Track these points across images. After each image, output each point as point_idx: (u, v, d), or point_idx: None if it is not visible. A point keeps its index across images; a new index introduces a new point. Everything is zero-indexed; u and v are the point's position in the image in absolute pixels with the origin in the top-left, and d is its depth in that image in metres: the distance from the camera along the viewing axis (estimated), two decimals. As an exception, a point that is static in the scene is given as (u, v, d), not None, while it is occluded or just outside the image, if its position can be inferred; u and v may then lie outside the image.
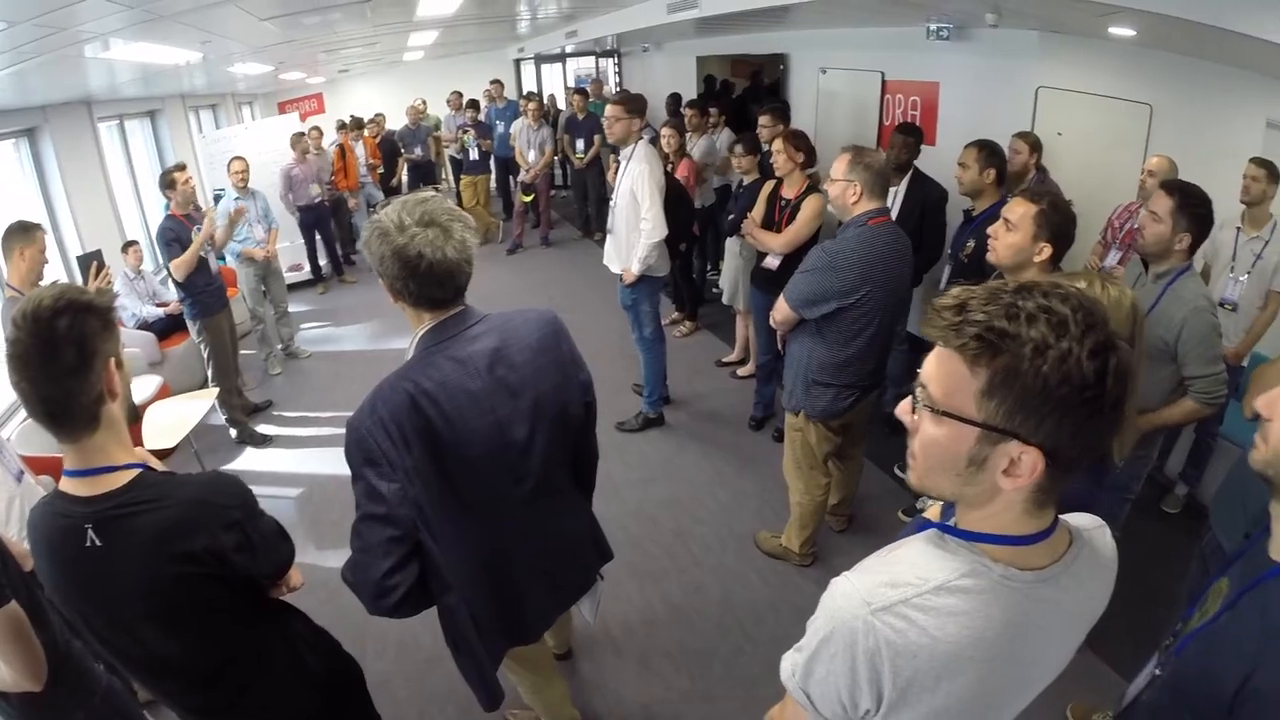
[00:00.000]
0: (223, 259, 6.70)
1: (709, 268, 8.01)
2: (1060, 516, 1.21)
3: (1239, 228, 4.65)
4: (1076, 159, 5.78)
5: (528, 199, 10.22)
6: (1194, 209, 2.93)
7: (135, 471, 1.69)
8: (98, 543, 1.62)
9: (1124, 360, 0.99)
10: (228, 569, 1.76)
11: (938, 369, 1.08)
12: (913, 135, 5.10)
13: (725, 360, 6.67)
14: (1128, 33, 5.28)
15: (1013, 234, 2.71)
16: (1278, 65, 5.19)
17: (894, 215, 4.82)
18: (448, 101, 11.30)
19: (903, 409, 1.15)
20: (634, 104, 4.83)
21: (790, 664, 1.25)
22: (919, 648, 1.09)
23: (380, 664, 3.56)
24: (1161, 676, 1.67)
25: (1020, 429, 1.01)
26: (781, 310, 3.45)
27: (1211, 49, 5.26)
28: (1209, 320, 2.89)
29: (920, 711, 1.14)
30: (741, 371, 6.39)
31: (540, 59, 14.67)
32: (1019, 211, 2.71)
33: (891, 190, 4.97)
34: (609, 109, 4.87)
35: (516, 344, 2.10)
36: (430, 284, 1.91)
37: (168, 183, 5.34)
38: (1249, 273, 4.44)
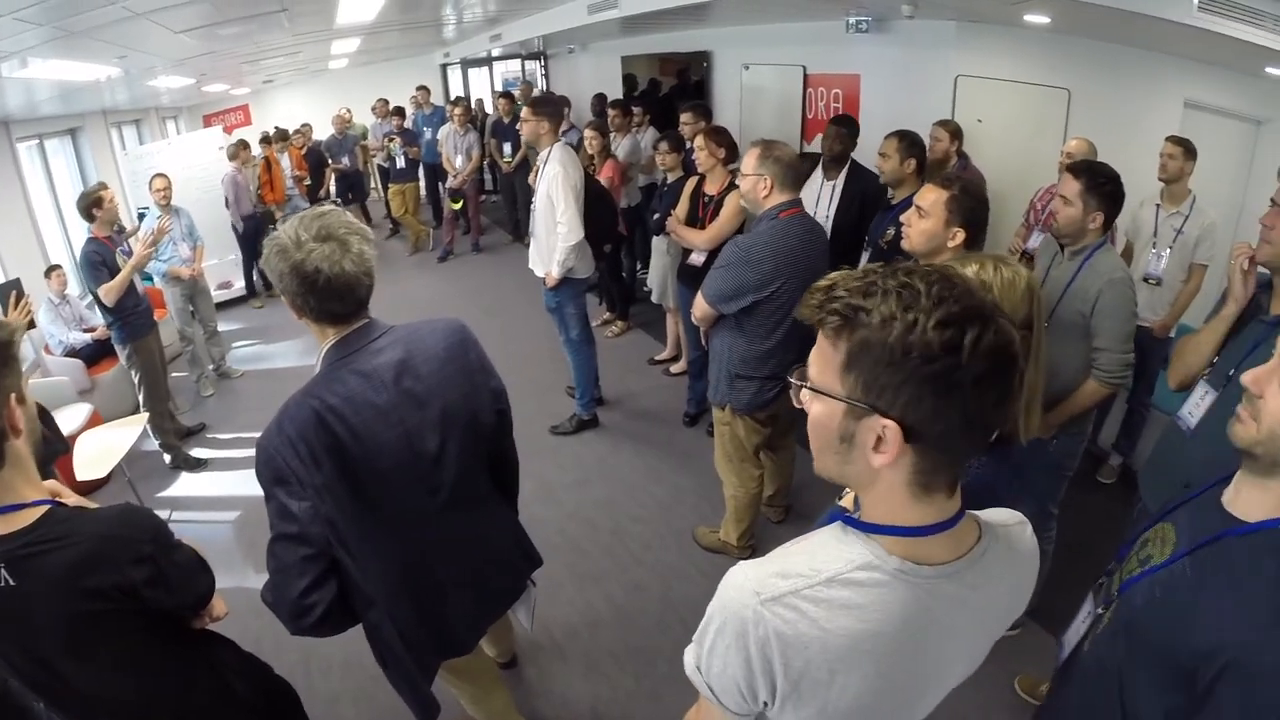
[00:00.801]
0: (149, 279, 6.48)
1: (639, 266, 7.99)
2: (973, 512, 1.20)
3: (1158, 204, 4.75)
4: (997, 145, 5.86)
5: (456, 205, 10.09)
6: (1102, 188, 2.96)
7: (44, 509, 1.65)
8: (10, 581, 1.57)
9: (997, 338, 0.96)
10: (141, 604, 1.72)
11: (814, 350, 1.08)
12: (847, 127, 5.08)
13: (658, 358, 6.65)
14: (1042, 19, 5.35)
15: (925, 220, 2.69)
16: (1193, 47, 5.32)
17: (832, 208, 4.91)
18: (373, 109, 11.15)
19: (796, 393, 1.14)
20: (544, 106, 4.76)
21: (692, 656, 1.22)
22: (809, 639, 1.07)
23: (327, 683, 3.48)
24: (1106, 620, 1.61)
25: (878, 402, 1.00)
26: (700, 307, 3.44)
27: (1127, 33, 5.39)
28: (1125, 292, 2.93)
29: (817, 705, 1.13)
30: (674, 369, 6.37)
31: (467, 63, 14.49)
32: (930, 198, 2.70)
33: (829, 183, 5.03)
34: (522, 112, 4.83)
35: (422, 354, 2.08)
36: (330, 299, 1.88)
37: (92, 202, 5.12)
38: (1170, 247, 4.55)
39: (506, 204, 10.67)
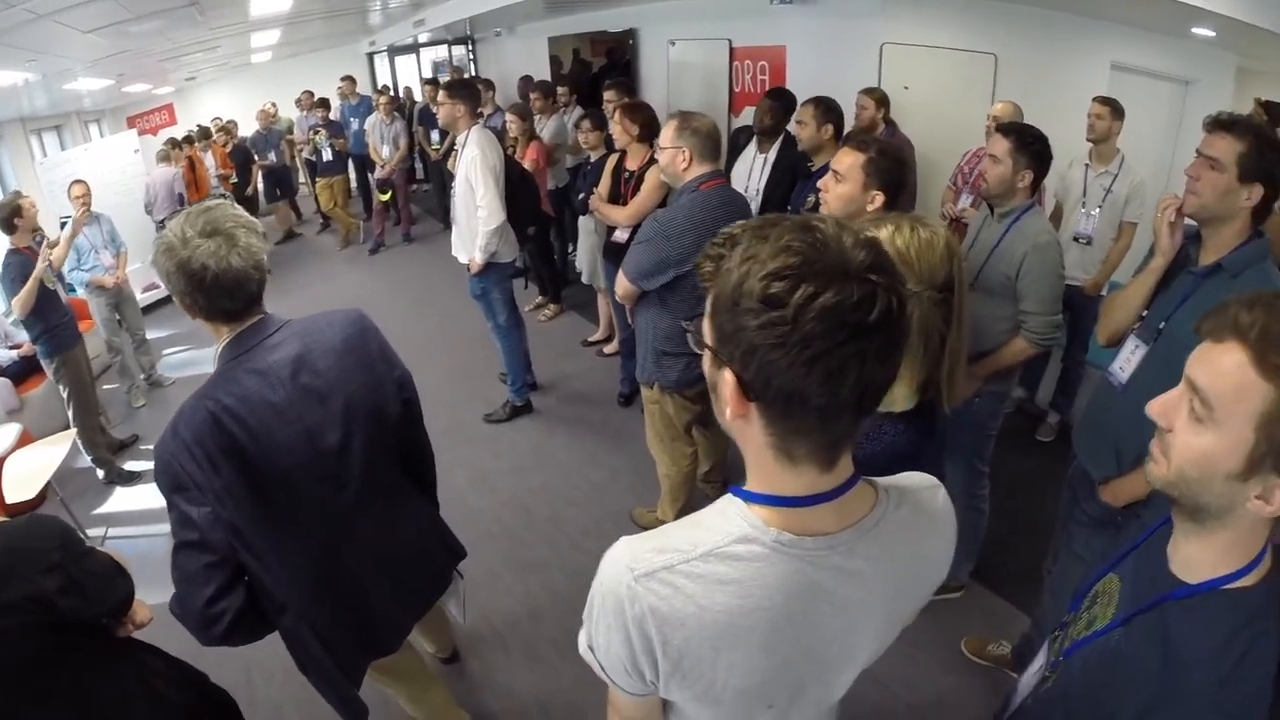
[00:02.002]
0: (72, 289, 6.25)
1: (569, 249, 7.88)
2: (873, 479, 1.15)
3: (1087, 165, 4.83)
4: (925, 111, 5.86)
5: (385, 197, 9.91)
6: (1031, 146, 2.99)
7: None
8: None
9: (839, 300, 0.87)
10: (56, 614, 1.67)
11: None
12: (781, 100, 5.03)
13: (590, 340, 6.59)
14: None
15: (842, 185, 2.64)
16: (1119, 10, 5.36)
17: (763, 181, 4.86)
18: (297, 102, 10.86)
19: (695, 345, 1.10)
20: (459, 89, 4.67)
21: (584, 636, 1.17)
22: (686, 616, 1.03)
23: (269, 691, 3.39)
24: (1050, 684, 1.53)
25: (722, 350, 0.96)
26: (622, 284, 3.37)
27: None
28: (1051, 256, 2.96)
29: (704, 684, 1.09)
30: (607, 349, 6.34)
31: (393, 51, 14.25)
32: (847, 162, 2.64)
33: (761, 156, 4.99)
34: (438, 96, 4.74)
35: (320, 348, 2.03)
36: (219, 295, 1.84)
37: (11, 212, 4.93)
38: (1100, 206, 4.63)
39: (436, 192, 10.47)
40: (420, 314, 7.34)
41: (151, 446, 5.87)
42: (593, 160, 5.56)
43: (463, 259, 4.90)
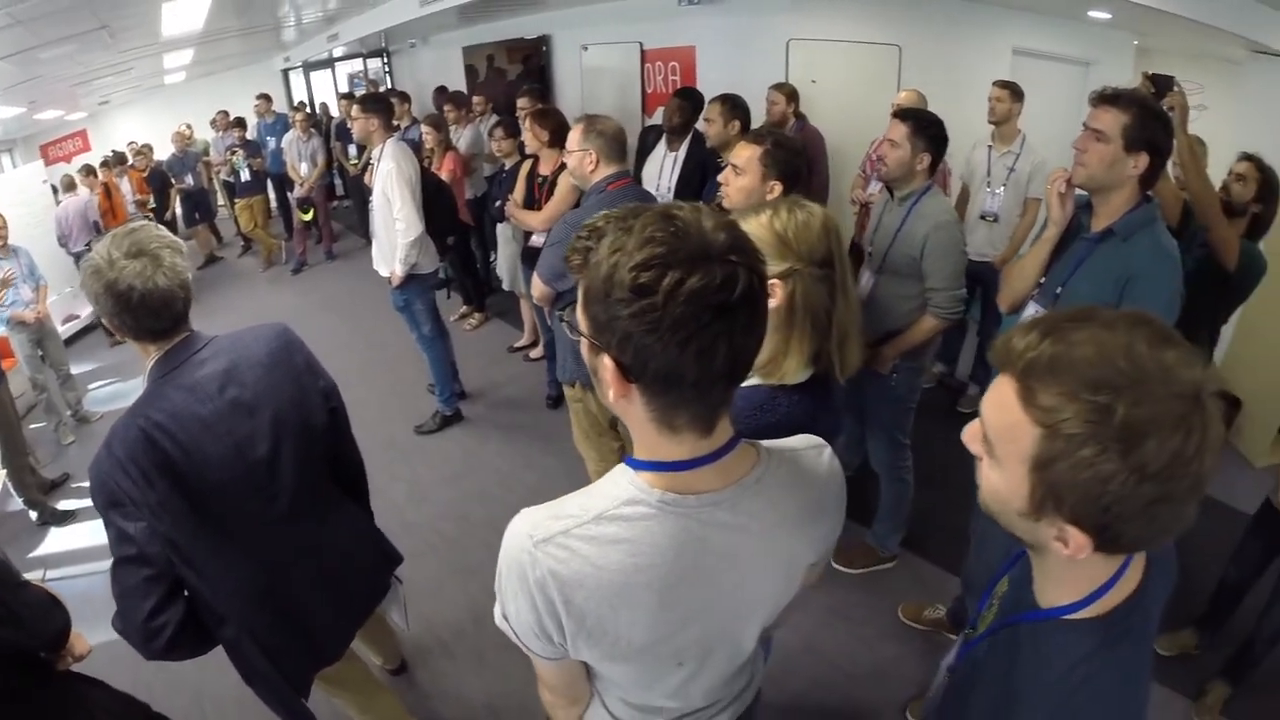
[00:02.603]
0: (-8, 327, 6.09)
1: (491, 257, 7.84)
2: (754, 442, 1.22)
3: (990, 146, 4.98)
4: (833, 103, 5.99)
5: (307, 216, 9.76)
6: (928, 130, 3.11)
7: None
8: None
9: (704, 282, 0.93)
10: None
11: None
12: (689, 99, 5.10)
13: (516, 345, 6.61)
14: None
15: (742, 177, 2.68)
16: (1019, -2, 5.53)
17: (674, 178, 4.94)
18: (212, 122, 10.57)
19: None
20: (372, 103, 4.67)
21: (499, 607, 1.22)
22: (584, 576, 1.09)
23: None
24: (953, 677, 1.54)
25: (598, 338, 1.01)
26: (537, 286, 3.41)
27: None
28: (952, 234, 3.09)
29: (609, 641, 1.15)
30: (533, 354, 6.36)
31: (308, 66, 13.93)
32: (744, 155, 2.67)
33: (671, 154, 5.06)
34: (352, 110, 4.74)
35: (246, 362, 2.05)
36: (146, 315, 1.86)
37: None
38: (1004, 185, 4.81)
39: (357, 208, 10.17)
40: (347, 331, 7.28)
41: (83, 484, 5.75)
42: (508, 168, 5.57)
43: (384, 272, 4.89)
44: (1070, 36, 6.96)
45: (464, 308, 7.37)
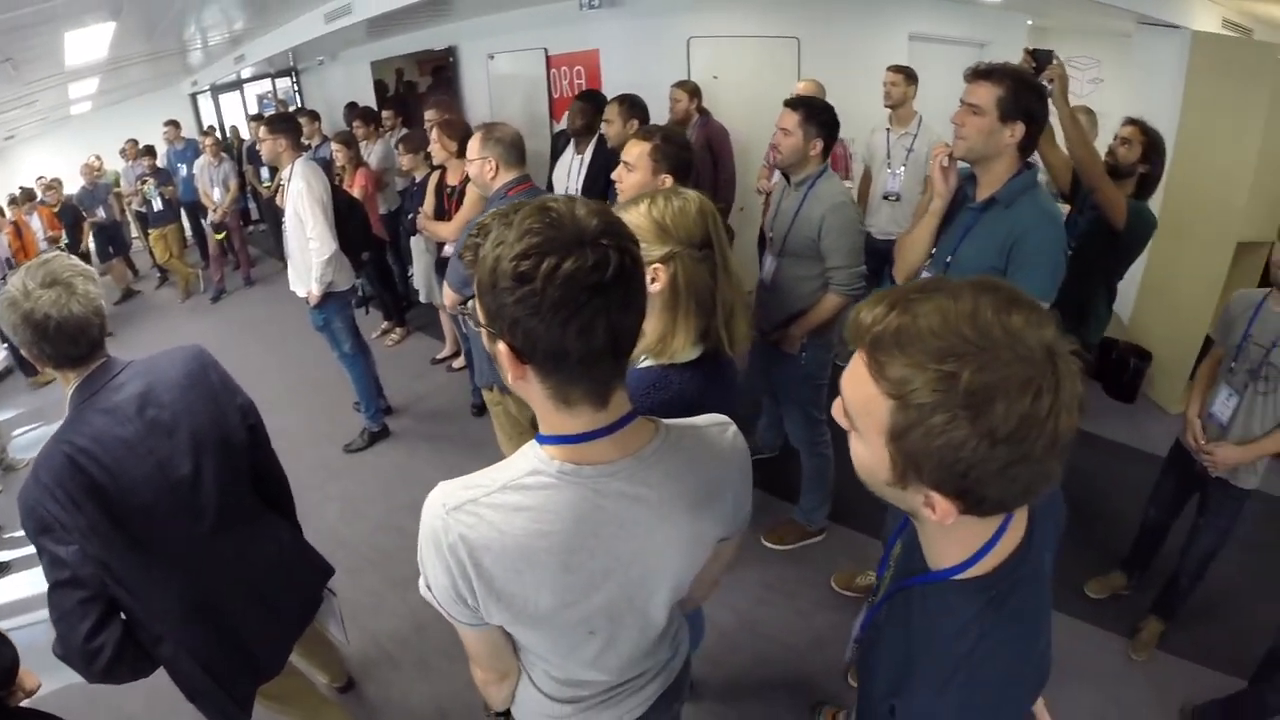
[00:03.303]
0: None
1: (408, 271, 7.77)
2: (654, 418, 1.31)
3: (888, 129, 5.16)
4: (735, 98, 6.11)
5: (220, 236, 9.59)
6: (818, 116, 3.24)
7: None
8: None
9: (576, 265, 1.02)
10: None
11: None
12: (590, 101, 5.14)
13: (439, 357, 6.62)
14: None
15: (633, 174, 2.75)
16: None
17: (582, 179, 4.97)
18: (122, 152, 10.41)
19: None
20: (279, 123, 4.64)
21: (422, 579, 1.29)
22: (490, 540, 1.17)
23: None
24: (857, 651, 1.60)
25: (492, 326, 1.10)
26: (448, 295, 3.48)
27: None
28: (847, 214, 3.21)
29: (518, 604, 1.24)
30: (456, 364, 6.38)
31: (217, 89, 13.77)
32: (635, 152, 2.76)
33: (578, 157, 5.10)
34: (259, 132, 4.73)
35: (163, 383, 2.09)
36: (63, 343, 1.91)
37: None
38: (904, 165, 4.99)
39: (273, 231, 9.94)
40: (270, 355, 7.20)
41: (16, 534, 5.57)
42: (419, 180, 5.57)
43: (301, 292, 4.86)
44: (965, 20, 7.18)
45: (385, 323, 7.34)
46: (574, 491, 1.20)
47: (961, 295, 0.95)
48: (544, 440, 1.22)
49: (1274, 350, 2.95)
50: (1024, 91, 2.50)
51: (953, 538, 1.15)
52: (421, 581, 1.29)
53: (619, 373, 1.18)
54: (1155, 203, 5.49)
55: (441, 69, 8.92)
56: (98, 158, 10.85)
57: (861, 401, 1.00)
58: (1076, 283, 3.68)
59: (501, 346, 1.10)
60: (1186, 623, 3.62)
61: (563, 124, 6.96)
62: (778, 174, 5.00)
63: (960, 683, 1.12)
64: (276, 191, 5.24)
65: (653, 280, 1.70)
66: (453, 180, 4.68)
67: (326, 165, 6.40)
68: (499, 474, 1.22)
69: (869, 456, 1.05)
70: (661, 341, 1.76)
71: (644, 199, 1.81)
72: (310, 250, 4.62)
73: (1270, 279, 2.99)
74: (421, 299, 6.25)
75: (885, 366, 0.95)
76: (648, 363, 1.79)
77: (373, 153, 7.16)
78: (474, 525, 1.17)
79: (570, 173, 5.10)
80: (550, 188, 5.38)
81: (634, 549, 1.27)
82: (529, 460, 1.22)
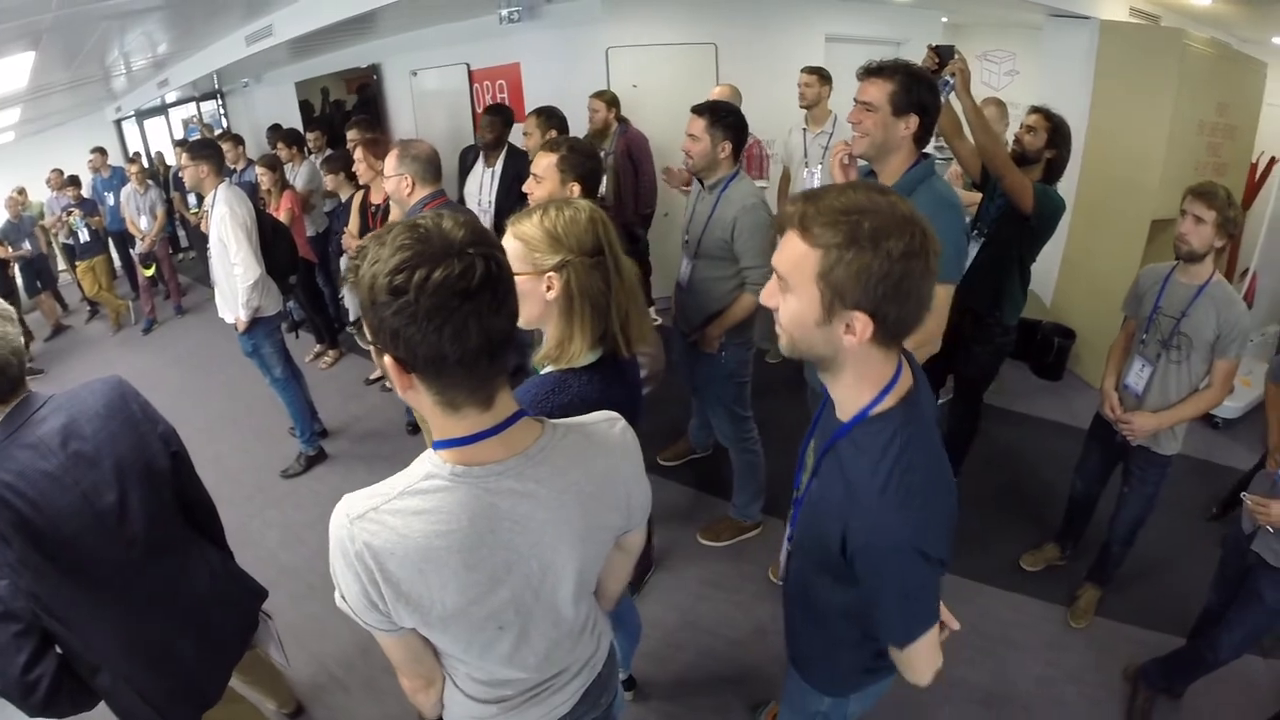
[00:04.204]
0: None
1: (340, 292, 7.69)
2: (540, 418, 1.40)
3: (805, 129, 5.26)
4: (654, 105, 6.19)
5: (149, 271, 9.39)
6: (725, 120, 3.32)
7: None
8: None
9: (445, 274, 1.10)
10: None
11: None
12: (498, 114, 5.19)
13: (372, 377, 6.60)
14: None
15: (543, 185, 2.83)
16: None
17: (494, 192, 5.03)
18: (46, 183, 10.13)
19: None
20: (201, 149, 4.58)
21: (337, 592, 1.34)
22: (393, 545, 1.24)
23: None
24: (788, 550, 1.89)
25: (377, 340, 1.17)
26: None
27: None
28: (759, 215, 3.29)
29: (427, 605, 1.30)
30: (389, 384, 6.25)
31: (141, 115, 13.50)
32: (543, 164, 2.83)
33: (489, 169, 5.13)
34: (181, 159, 4.70)
35: (84, 415, 2.09)
36: None
37: None
38: (821, 164, 5.06)
39: (202, 258, 9.69)
40: (204, 384, 7.10)
41: None
42: (345, 200, 5.57)
43: (229, 319, 4.83)
44: (880, 19, 7.33)
45: (317, 346, 7.27)
46: (467, 491, 1.27)
47: (848, 187, 1.40)
48: (438, 446, 1.29)
49: (1183, 320, 3.10)
50: (915, 85, 2.59)
51: (864, 379, 1.49)
52: (337, 594, 1.34)
53: (498, 373, 1.27)
54: (1071, 186, 5.75)
55: (366, 86, 8.87)
56: (21, 190, 10.58)
57: (795, 261, 1.38)
58: (991, 267, 3.84)
59: (388, 359, 1.18)
60: (1122, 587, 3.78)
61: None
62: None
63: (896, 481, 1.43)
64: (202, 219, 5.20)
65: (548, 288, 1.77)
66: (376, 199, 4.68)
67: (252, 189, 6.37)
68: (398, 481, 1.28)
69: (802, 304, 1.40)
70: (560, 347, 1.82)
71: (537, 210, 1.87)
72: (235, 276, 4.59)
73: (1176, 252, 3.13)
74: (351, 318, 6.21)
75: (811, 230, 1.34)
76: (548, 369, 1.85)
77: (298, 174, 7.12)
78: (377, 532, 1.23)
79: (482, 185, 5.14)
80: (462, 201, 5.41)
81: (531, 542, 1.35)
82: (424, 465, 1.29)
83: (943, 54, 3.30)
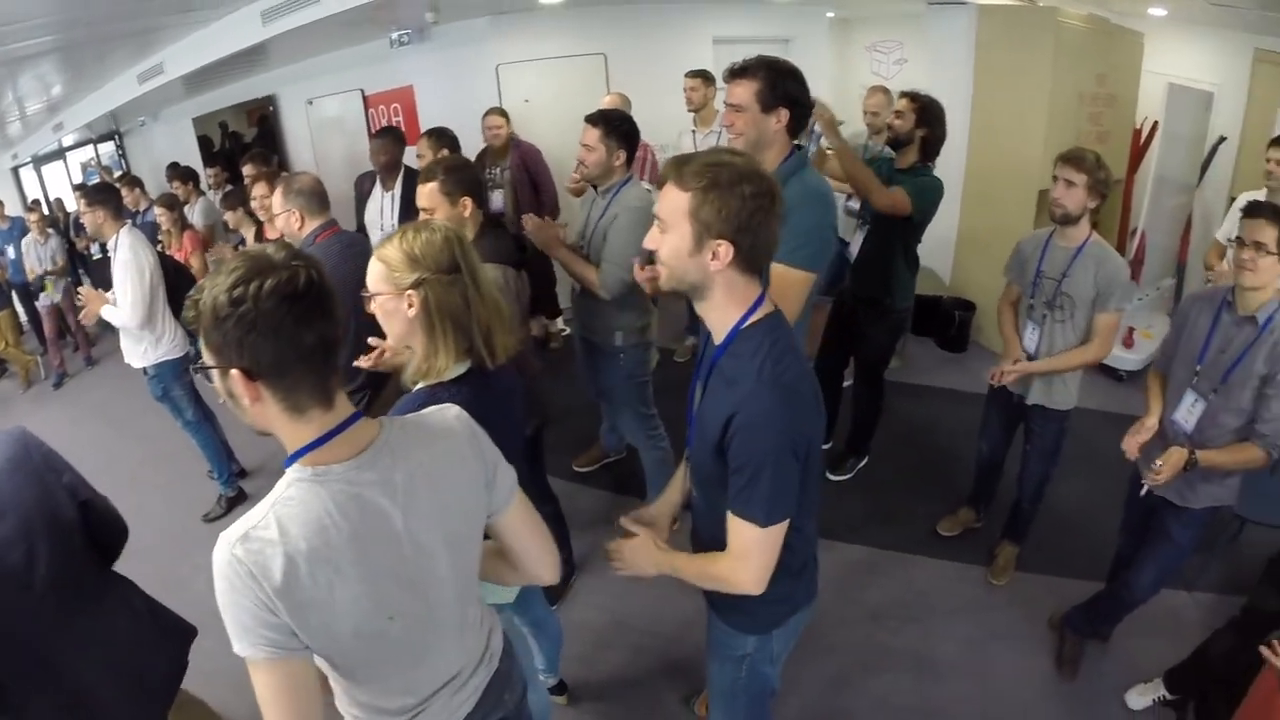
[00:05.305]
0: None
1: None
2: (373, 417, 1.48)
3: (694, 130, 5.40)
4: (548, 118, 6.28)
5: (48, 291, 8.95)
6: (619, 128, 3.43)
7: None
8: None
9: (275, 284, 1.22)
10: None
11: None
12: (388, 136, 5.20)
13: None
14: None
15: (437, 214, 2.84)
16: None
17: (395, 216, 5.04)
18: (-57, 237, 9.90)
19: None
20: (97, 194, 4.50)
21: (233, 642, 1.33)
22: (274, 554, 1.27)
23: None
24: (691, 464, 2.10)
25: (222, 358, 1.27)
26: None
27: None
28: (636, 219, 3.34)
29: (322, 607, 1.33)
30: (229, 405, 6.18)
31: (38, 161, 13.04)
32: (426, 195, 2.86)
33: (388, 194, 5.15)
34: (79, 206, 4.63)
35: None
36: None
37: None
38: None
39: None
40: (120, 434, 6.95)
41: None
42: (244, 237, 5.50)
43: (135, 364, 4.77)
44: (767, 18, 7.46)
45: (229, 386, 7.04)
46: (328, 489, 1.34)
47: (713, 150, 1.76)
48: (292, 459, 1.36)
49: (1064, 280, 3.29)
50: (780, 79, 2.65)
51: (731, 299, 1.76)
52: (235, 646, 1.33)
53: (334, 371, 1.37)
54: (959, 165, 6.01)
55: (265, 117, 8.76)
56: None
57: (672, 205, 1.68)
58: (877, 256, 4.02)
59: (234, 374, 1.26)
60: (1040, 542, 3.96)
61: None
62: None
63: (770, 370, 1.70)
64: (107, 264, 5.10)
65: (409, 305, 1.87)
66: (273, 235, 4.62)
67: (153, 230, 6.27)
68: (266, 500, 1.34)
69: (676, 240, 1.69)
70: (426, 362, 1.91)
71: (396, 234, 1.97)
72: (116, 315, 4.55)
73: (1052, 216, 3.31)
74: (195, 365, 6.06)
75: (685, 177, 1.65)
76: (420, 385, 1.95)
77: (195, 212, 7.03)
78: (258, 549, 1.27)
79: (382, 211, 5.15)
80: (362, 229, 5.40)
81: (397, 530, 1.43)
82: (287, 478, 1.35)
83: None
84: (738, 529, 1.78)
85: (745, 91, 2.66)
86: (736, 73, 2.70)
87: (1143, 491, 2.95)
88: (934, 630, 3.65)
